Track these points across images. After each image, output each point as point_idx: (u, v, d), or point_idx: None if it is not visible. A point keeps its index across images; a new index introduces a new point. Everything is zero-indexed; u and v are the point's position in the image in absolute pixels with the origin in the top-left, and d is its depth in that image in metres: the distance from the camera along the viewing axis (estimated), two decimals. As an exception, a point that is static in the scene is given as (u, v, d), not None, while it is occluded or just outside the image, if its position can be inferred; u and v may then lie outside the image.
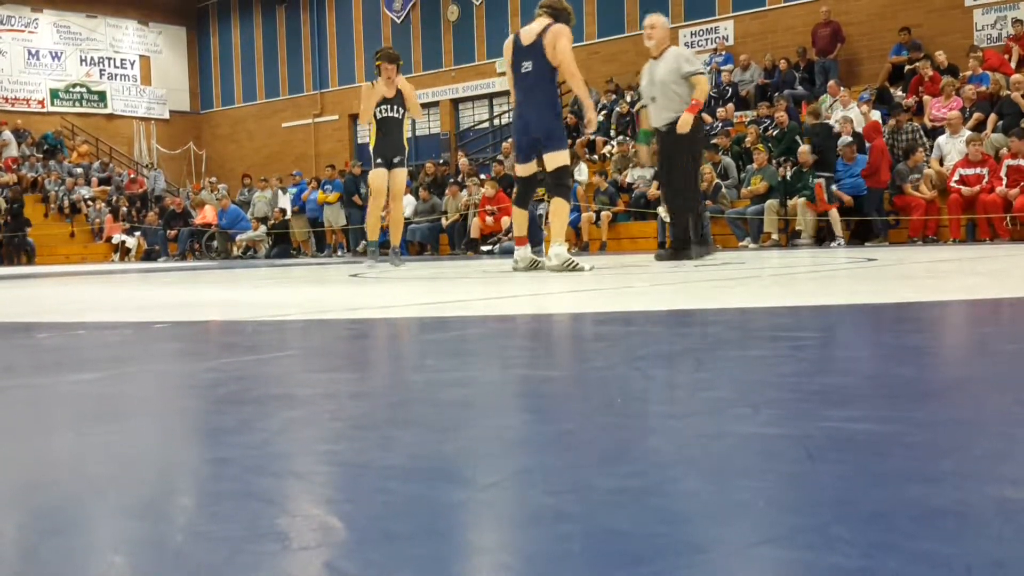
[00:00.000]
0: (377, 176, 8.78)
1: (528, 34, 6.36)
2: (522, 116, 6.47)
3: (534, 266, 6.49)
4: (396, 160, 8.74)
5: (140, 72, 28.54)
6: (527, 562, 0.72)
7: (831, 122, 13.46)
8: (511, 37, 6.52)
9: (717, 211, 13.47)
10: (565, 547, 0.74)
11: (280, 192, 20.07)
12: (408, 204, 17.46)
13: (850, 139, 12.69)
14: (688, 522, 0.80)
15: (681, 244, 7.74)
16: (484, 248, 15.11)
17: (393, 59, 8.62)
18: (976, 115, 12.87)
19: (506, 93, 22.47)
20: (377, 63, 8.65)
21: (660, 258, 7.75)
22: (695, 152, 7.68)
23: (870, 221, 12.25)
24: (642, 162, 8.45)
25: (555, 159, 6.41)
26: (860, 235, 12.41)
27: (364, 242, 8.40)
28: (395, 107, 8.65)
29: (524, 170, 6.65)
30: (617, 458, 1.03)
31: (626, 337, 2.47)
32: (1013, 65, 13.93)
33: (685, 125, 7.36)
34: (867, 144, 12.58)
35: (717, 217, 13.47)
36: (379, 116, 8.67)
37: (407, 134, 8.89)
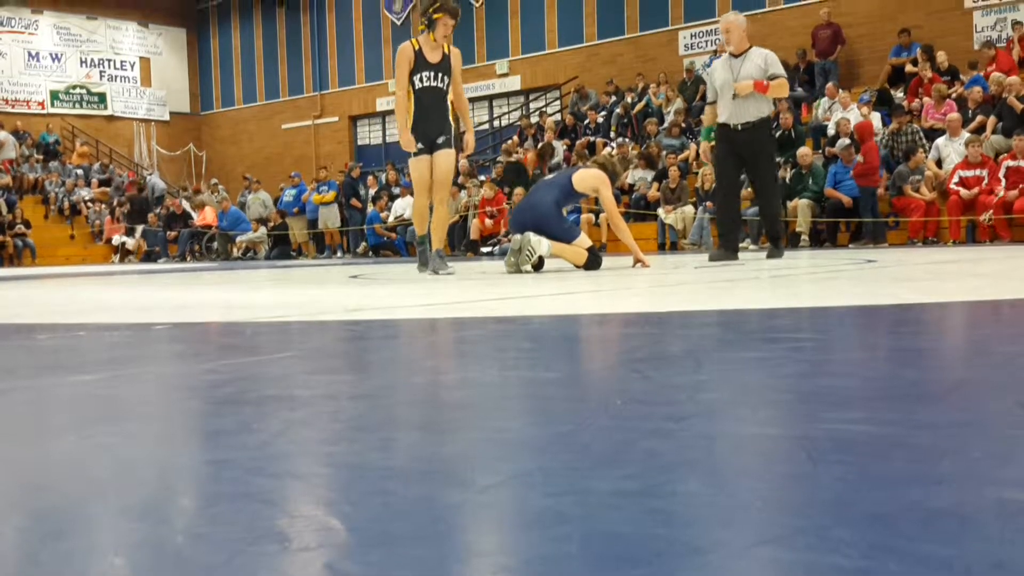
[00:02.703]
0: (418, 165, 6.84)
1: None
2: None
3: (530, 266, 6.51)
4: (440, 140, 6.81)
5: (140, 74, 28.55)
6: (526, 564, 0.72)
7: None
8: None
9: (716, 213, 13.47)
10: (564, 549, 0.74)
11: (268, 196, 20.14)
12: (408, 206, 17.47)
13: (848, 141, 12.69)
14: (687, 524, 0.80)
15: (774, 242, 7.95)
16: (484, 249, 15.11)
17: (455, 14, 6.77)
18: (979, 118, 12.88)
19: (507, 95, 22.53)
20: (436, 15, 6.70)
21: (714, 258, 7.74)
22: (774, 150, 7.94)
23: (860, 223, 12.29)
24: (704, 158, 8.33)
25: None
26: (855, 237, 12.44)
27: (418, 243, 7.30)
28: (440, 76, 6.80)
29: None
30: (616, 460, 1.03)
31: (625, 339, 2.47)
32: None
33: (782, 88, 7.67)
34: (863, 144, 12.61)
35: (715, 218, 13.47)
36: (419, 86, 6.77)
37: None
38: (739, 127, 7.59)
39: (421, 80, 6.75)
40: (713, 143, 7.93)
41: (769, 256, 7.87)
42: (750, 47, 7.69)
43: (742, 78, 7.52)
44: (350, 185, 18.53)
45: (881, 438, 1.09)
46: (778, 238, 7.97)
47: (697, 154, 15.25)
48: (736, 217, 8.03)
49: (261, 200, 20.00)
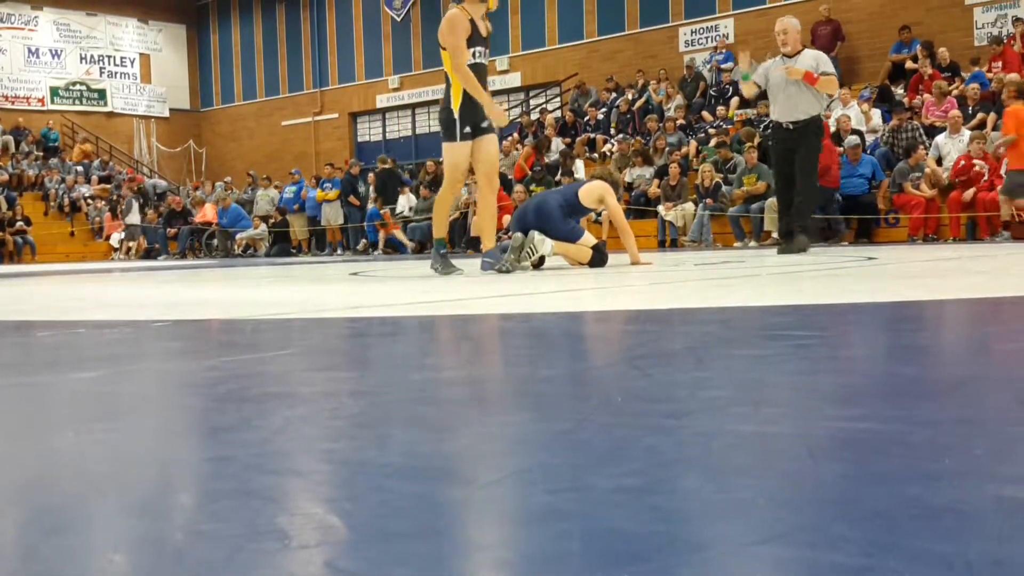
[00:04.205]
0: (463, 151, 6.07)
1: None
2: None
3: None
4: (484, 124, 6.13)
5: (140, 70, 28.53)
6: (526, 560, 0.72)
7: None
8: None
9: (717, 209, 13.46)
10: (564, 545, 0.74)
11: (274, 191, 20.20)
12: (407, 202, 17.46)
13: (856, 140, 12.67)
14: (688, 520, 0.80)
15: (805, 233, 8.12)
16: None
17: None
18: (980, 115, 12.87)
19: (507, 92, 22.51)
20: None
21: (784, 251, 8.01)
22: (819, 146, 8.20)
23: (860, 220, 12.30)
24: (742, 66, 8.46)
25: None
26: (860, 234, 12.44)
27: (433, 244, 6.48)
28: (488, 52, 6.21)
29: None
30: (617, 457, 1.03)
31: (625, 336, 2.47)
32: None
33: (832, 85, 7.98)
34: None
35: (718, 215, 13.46)
36: (470, 61, 6.03)
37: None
38: (790, 125, 7.94)
39: (474, 55, 6.03)
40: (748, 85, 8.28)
41: (783, 251, 8.07)
42: (803, 49, 8.04)
43: (795, 92, 7.86)
44: (349, 182, 18.52)
45: (881, 435, 1.09)
46: (805, 229, 8.16)
47: (698, 151, 15.27)
48: (810, 211, 8.40)
49: (270, 197, 19.99)
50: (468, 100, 6.01)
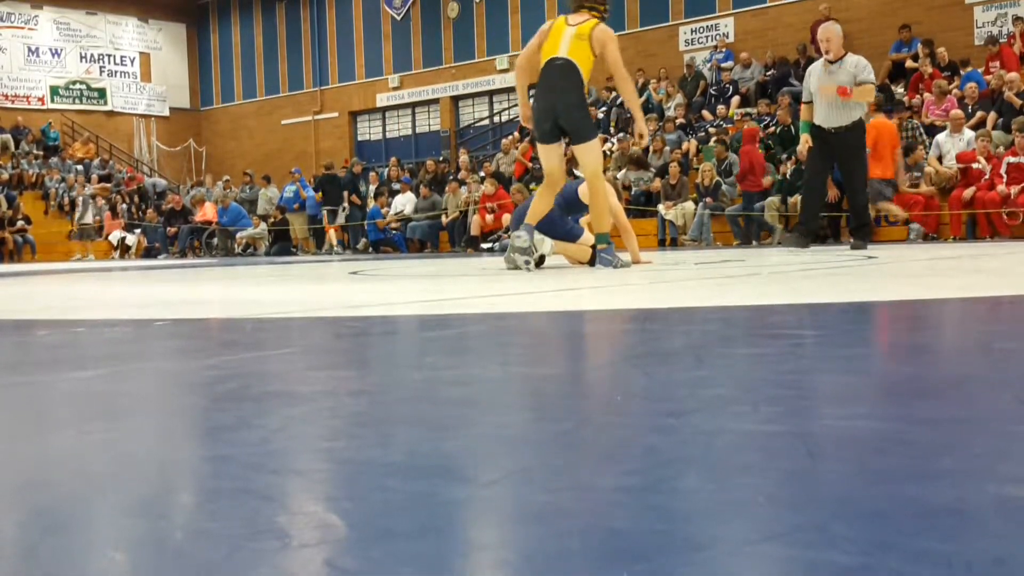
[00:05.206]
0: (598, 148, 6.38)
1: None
2: None
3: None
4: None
5: (140, 69, 28.52)
6: (527, 560, 0.72)
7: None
8: None
9: (718, 208, 13.46)
10: (565, 545, 0.74)
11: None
12: (408, 201, 17.48)
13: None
14: (688, 520, 0.80)
15: (864, 230, 8.65)
16: (484, 245, 15.10)
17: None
18: (979, 114, 12.87)
19: (507, 90, 22.50)
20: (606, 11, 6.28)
21: (785, 243, 8.62)
22: (864, 150, 8.61)
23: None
24: (801, 155, 8.86)
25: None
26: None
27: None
28: None
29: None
30: (617, 456, 1.03)
31: (625, 335, 2.47)
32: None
33: (867, 93, 8.28)
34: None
35: (718, 215, 13.46)
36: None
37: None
38: (832, 130, 8.29)
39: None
40: (809, 139, 8.56)
41: (854, 247, 8.42)
42: (846, 54, 8.34)
43: (836, 97, 8.19)
44: (350, 181, 18.53)
45: (881, 434, 1.09)
46: (861, 229, 8.60)
47: (699, 150, 15.27)
48: (817, 210, 8.91)
49: (269, 197, 20.01)
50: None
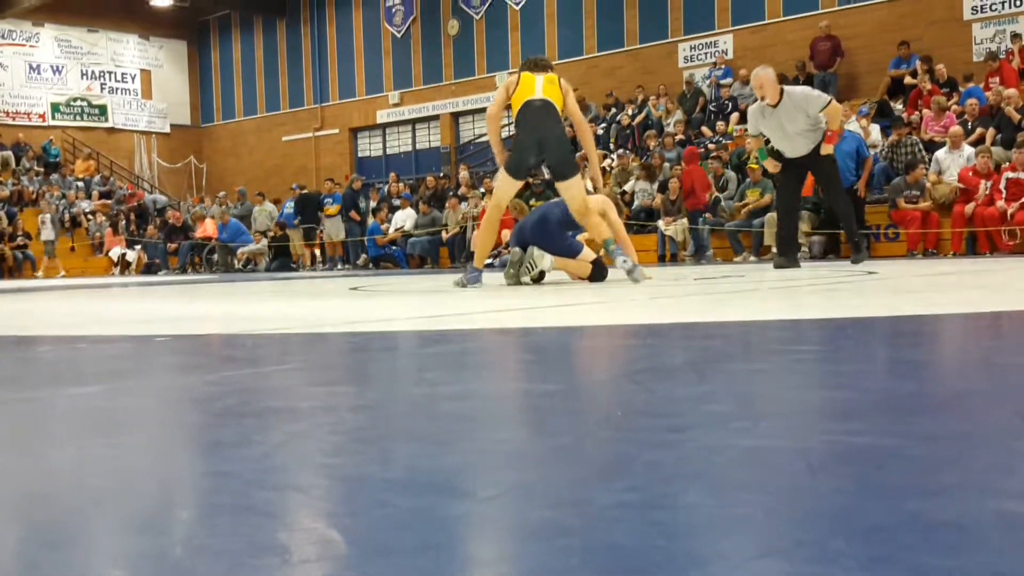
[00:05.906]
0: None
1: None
2: None
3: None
4: None
5: (141, 86, 28.60)
6: (527, 575, 0.72)
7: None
8: None
9: (717, 224, 13.48)
10: (565, 561, 0.74)
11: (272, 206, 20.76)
12: (408, 217, 17.50)
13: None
14: (688, 536, 0.80)
15: (856, 246, 8.67)
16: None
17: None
18: (979, 130, 12.90)
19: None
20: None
21: (778, 266, 8.39)
22: (835, 165, 8.59)
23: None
24: (770, 171, 8.87)
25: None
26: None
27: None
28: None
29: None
30: (617, 472, 1.03)
31: (626, 350, 2.47)
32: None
33: (836, 113, 8.11)
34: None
35: (717, 230, 13.47)
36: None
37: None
38: (801, 158, 8.30)
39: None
40: (772, 160, 8.54)
41: (854, 262, 8.43)
42: (782, 93, 8.14)
43: (792, 133, 8.12)
44: (350, 197, 18.56)
45: (881, 449, 1.09)
46: (854, 242, 8.66)
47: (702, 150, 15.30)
48: (794, 232, 8.84)
49: (268, 212, 20.05)
50: None
